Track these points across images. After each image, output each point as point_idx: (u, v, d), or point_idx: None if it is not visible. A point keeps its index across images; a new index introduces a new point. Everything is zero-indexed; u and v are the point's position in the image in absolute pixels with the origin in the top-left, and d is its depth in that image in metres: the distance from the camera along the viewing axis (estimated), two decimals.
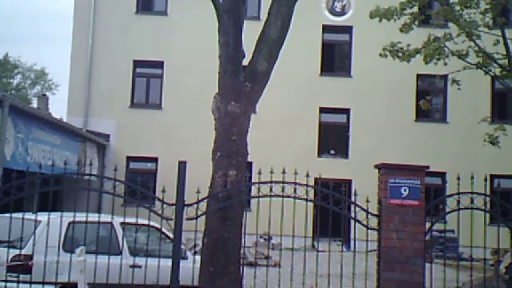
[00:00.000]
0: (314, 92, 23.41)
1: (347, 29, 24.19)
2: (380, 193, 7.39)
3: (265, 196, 7.14)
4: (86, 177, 12.50)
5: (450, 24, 16.28)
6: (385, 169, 7.38)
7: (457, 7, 14.85)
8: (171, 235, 8.46)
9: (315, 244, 16.89)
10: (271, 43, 9.17)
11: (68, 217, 7.50)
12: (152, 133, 22.88)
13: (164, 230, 8.46)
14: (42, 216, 7.75)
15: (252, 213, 7.82)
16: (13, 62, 56.34)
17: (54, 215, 7.69)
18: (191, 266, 7.65)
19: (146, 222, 8.01)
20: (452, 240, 17.48)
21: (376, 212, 7.30)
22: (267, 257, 10.36)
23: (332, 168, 21.85)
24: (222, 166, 8.07)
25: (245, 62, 9.16)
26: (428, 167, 7.41)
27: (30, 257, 7.42)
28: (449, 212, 7.35)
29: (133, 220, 7.85)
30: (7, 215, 7.20)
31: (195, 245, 10.04)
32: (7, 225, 6.98)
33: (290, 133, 22.89)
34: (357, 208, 7.26)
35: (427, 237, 7.29)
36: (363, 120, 23.37)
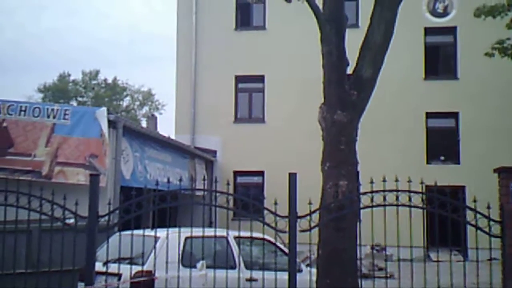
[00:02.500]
0: (419, 97, 22.81)
1: (451, 30, 23.42)
2: (501, 198, 7.03)
3: (379, 205, 6.97)
4: (198, 193, 12.73)
5: None
6: (506, 173, 7.03)
7: None
8: (283, 248, 8.46)
9: (430, 254, 16.39)
10: (375, 49, 9.01)
11: (185, 232, 7.65)
12: (256, 147, 23.12)
13: (277, 243, 8.47)
14: (161, 232, 7.96)
15: (363, 223, 7.65)
16: (122, 85, 58.94)
17: (172, 231, 7.88)
18: (307, 278, 7.58)
19: (259, 235, 8.03)
20: None
21: (498, 218, 6.95)
22: (381, 269, 10.05)
23: (443, 175, 21.06)
24: (332, 176, 7.97)
25: (349, 70, 9.05)
26: None
27: (151, 273, 7.62)
28: None
29: (247, 234, 7.90)
30: (128, 232, 7.45)
31: (307, 258, 9.98)
32: (128, 242, 7.23)
33: (397, 141, 22.41)
34: (478, 215, 6.93)
35: None
36: (473, 123, 22.47)
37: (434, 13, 23.53)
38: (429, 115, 23.01)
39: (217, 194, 7.30)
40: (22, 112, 12.78)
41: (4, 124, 12.72)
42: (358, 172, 8.46)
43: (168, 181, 7.70)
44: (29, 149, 12.63)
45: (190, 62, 24.26)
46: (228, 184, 7.59)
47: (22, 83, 72.71)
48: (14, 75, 71.21)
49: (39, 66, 71.64)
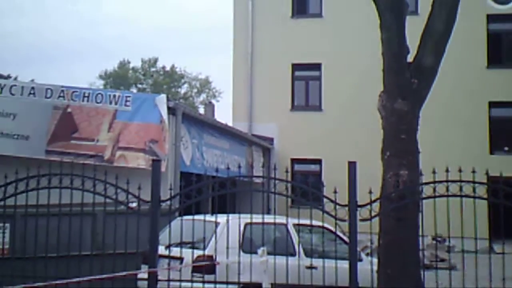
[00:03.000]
0: (482, 86, 22.21)
1: None
2: None
3: (442, 196, 6.86)
4: (256, 180, 12.84)
5: None
6: None
7: None
8: (343, 236, 8.44)
9: (494, 246, 16.01)
10: (437, 36, 8.84)
11: (244, 218, 7.72)
12: (314, 135, 23.04)
13: (337, 231, 8.46)
14: (221, 218, 8.06)
15: (425, 213, 7.55)
16: (180, 72, 59.66)
17: (232, 217, 7.96)
18: (367, 268, 7.55)
19: (318, 223, 8.04)
20: None
21: None
22: (443, 260, 9.92)
23: (508, 165, 20.43)
24: (392, 165, 7.88)
25: (410, 58, 8.91)
26: None
27: (212, 258, 7.73)
28: None
29: (306, 222, 7.92)
30: (189, 217, 7.57)
31: (367, 247, 9.93)
32: (189, 227, 7.35)
33: (459, 130, 21.93)
34: None
35: None
36: None
37: (496, 0, 22.85)
38: (492, 105, 22.38)
39: (276, 181, 7.34)
40: (85, 98, 13.12)
41: (69, 110, 13.08)
42: (419, 162, 8.35)
43: (228, 168, 7.77)
44: (92, 134, 12.96)
45: (246, 50, 24.33)
46: (286, 171, 7.61)
47: (85, 70, 74.65)
48: (77, 62, 73.08)
49: (100, 53, 73.30)
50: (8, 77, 40.64)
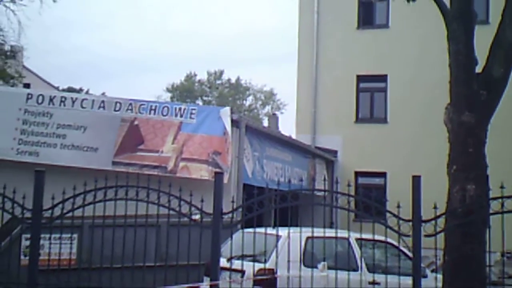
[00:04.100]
0: None
1: None
2: None
3: (510, 211, 6.64)
4: (318, 193, 12.74)
5: None
6: None
7: None
8: (407, 252, 8.27)
9: None
10: (507, 46, 8.61)
11: (306, 232, 7.69)
12: (378, 148, 22.72)
13: (400, 247, 8.30)
14: (283, 231, 8.05)
15: (492, 229, 7.32)
16: (245, 84, 60.24)
17: (293, 230, 7.94)
18: (432, 285, 7.37)
19: (381, 238, 7.92)
20: None
21: None
22: (511, 276, 9.59)
23: None
24: (459, 180, 7.69)
25: (478, 69, 8.70)
26: None
27: (273, 271, 7.72)
28: None
29: (369, 236, 7.81)
30: (251, 230, 7.60)
31: (432, 263, 9.70)
32: (250, 240, 7.37)
33: None
34: None
35: None
36: None
37: None
38: None
39: (338, 195, 7.28)
40: (152, 111, 13.42)
41: (136, 122, 13.40)
42: (487, 176, 8.11)
43: (289, 182, 7.76)
44: (157, 146, 13.22)
45: (311, 61, 24.27)
46: (349, 185, 7.53)
47: (153, 83, 76.43)
48: (145, 76, 74.90)
49: (167, 66, 74.90)
50: (80, 90, 42.08)
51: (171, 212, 7.51)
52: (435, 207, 6.88)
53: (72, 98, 13.85)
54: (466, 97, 8.31)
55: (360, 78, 23.99)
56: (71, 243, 9.17)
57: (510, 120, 20.15)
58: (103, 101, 13.69)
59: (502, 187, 6.70)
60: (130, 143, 13.28)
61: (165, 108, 13.54)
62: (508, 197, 6.64)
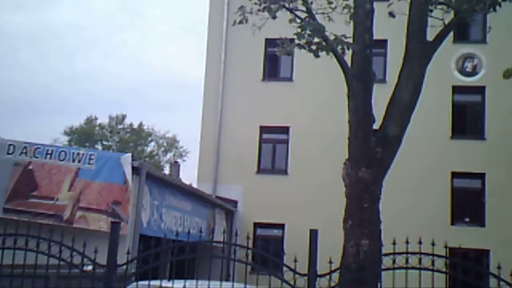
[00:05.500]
0: (446, 156, 22.51)
1: (479, 90, 23.22)
2: None
3: (401, 268, 6.81)
4: (217, 245, 12.67)
5: None
6: None
7: None
8: None
9: None
10: (403, 107, 9.02)
11: (202, 285, 7.54)
12: (278, 199, 22.88)
13: None
14: (178, 284, 7.85)
15: (384, 285, 7.47)
16: (147, 130, 59.59)
17: (189, 283, 7.76)
18: None
19: None
20: None
21: None
22: None
23: (468, 237, 20.60)
24: (354, 235, 7.87)
25: (375, 125, 9.03)
26: None
27: None
28: None
29: None
30: (146, 282, 7.37)
31: None
32: None
33: (422, 200, 21.98)
34: (502, 283, 6.73)
35: None
36: (500, 185, 21.89)
37: (462, 72, 23.40)
38: (455, 175, 22.65)
39: (237, 247, 7.23)
40: (48, 156, 12.89)
41: (30, 167, 12.81)
42: (381, 231, 8.33)
43: (188, 232, 7.64)
44: (52, 193, 12.67)
45: (216, 110, 24.35)
46: (248, 238, 7.50)
47: (51, 125, 74.01)
48: (44, 117, 72.50)
49: (69, 108, 72.96)
50: None
51: (62, 263, 7.17)
52: (330, 262, 6.95)
53: None
54: (363, 153, 8.57)
55: (263, 129, 24.29)
56: None
57: (404, 177, 20.99)
58: None
59: (394, 243, 6.88)
60: (23, 189, 12.63)
61: (63, 153, 13.05)
62: (399, 253, 6.81)
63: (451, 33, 12.11)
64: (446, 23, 9.62)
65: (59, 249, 7.14)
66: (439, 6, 9.80)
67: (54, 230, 7.32)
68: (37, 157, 12.83)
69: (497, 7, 9.49)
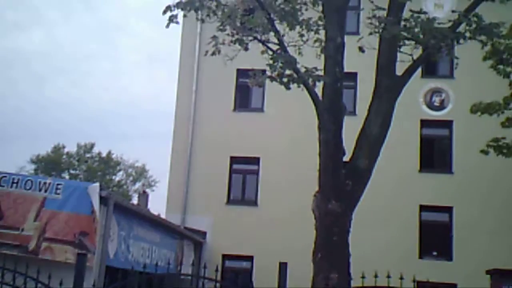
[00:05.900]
0: (414, 189, 22.68)
1: (447, 124, 23.56)
2: None
3: None
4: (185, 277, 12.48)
5: None
6: (498, 275, 6.91)
7: None
8: None
9: None
10: (372, 140, 9.10)
11: None
12: (247, 231, 22.69)
13: None
14: None
15: None
16: (116, 159, 59.00)
17: None
18: None
19: None
20: None
21: None
22: None
23: (435, 271, 20.62)
24: (323, 268, 7.85)
25: (346, 158, 9.08)
26: None
27: None
28: None
29: None
30: None
31: None
32: None
33: (390, 232, 21.98)
34: None
35: None
36: (467, 219, 22.05)
37: (431, 106, 23.72)
38: (423, 208, 22.78)
39: (205, 280, 7.14)
40: (14, 184, 12.62)
41: None
42: (349, 265, 8.30)
43: (156, 264, 7.52)
44: (18, 223, 12.35)
45: (186, 140, 24.21)
46: (217, 270, 7.41)
47: (17, 153, 72.87)
48: (10, 145, 71.39)
49: (36, 135, 72.03)
50: None
51: None
52: None
53: None
54: (333, 186, 8.59)
55: (234, 160, 24.19)
56: None
57: (373, 210, 21.05)
58: None
59: (363, 277, 6.85)
60: None
61: (29, 182, 12.78)
62: (369, 287, 6.78)
63: (420, 68, 12.31)
64: (415, 58, 9.79)
65: (24, 280, 6.98)
66: (408, 42, 9.97)
67: (19, 261, 7.13)
68: (3, 186, 12.54)
69: (463, 41, 9.69)
